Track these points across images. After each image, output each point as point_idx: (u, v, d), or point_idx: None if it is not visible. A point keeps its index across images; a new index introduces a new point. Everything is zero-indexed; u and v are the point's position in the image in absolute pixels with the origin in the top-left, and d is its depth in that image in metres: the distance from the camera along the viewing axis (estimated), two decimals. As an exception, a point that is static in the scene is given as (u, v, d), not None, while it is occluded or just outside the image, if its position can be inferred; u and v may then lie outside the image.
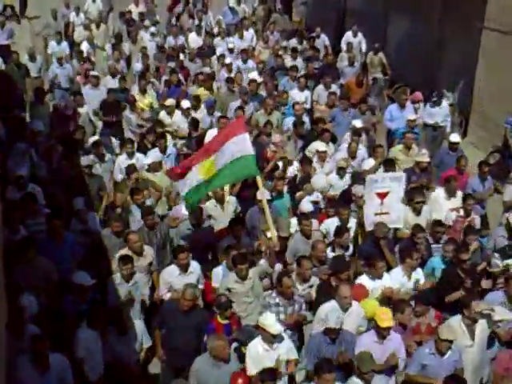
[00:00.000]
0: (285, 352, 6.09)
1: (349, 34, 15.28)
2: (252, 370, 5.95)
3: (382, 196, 8.06)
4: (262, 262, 7.35)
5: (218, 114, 11.22)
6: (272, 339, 5.99)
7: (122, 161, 9.65)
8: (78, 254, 7.48)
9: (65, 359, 5.87)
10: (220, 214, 8.32)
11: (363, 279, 7.13)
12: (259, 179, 7.08)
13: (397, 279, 7.20)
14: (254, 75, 12.72)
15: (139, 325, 6.96)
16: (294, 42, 15.35)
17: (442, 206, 8.75)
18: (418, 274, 7.33)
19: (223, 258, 7.37)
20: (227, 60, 13.54)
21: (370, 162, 9.67)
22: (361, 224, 8.15)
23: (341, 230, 7.75)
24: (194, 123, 10.90)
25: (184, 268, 7.15)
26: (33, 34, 16.34)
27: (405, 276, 7.26)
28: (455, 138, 10.30)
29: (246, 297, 6.91)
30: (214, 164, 6.92)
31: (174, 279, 7.15)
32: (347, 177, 9.41)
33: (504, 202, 9.25)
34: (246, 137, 6.80)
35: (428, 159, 9.62)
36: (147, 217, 7.83)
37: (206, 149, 7.22)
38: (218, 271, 7.34)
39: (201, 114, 11.35)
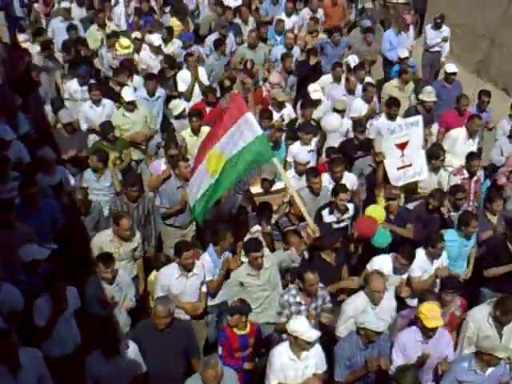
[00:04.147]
0: (313, 364, 5.15)
1: None
2: (272, 381, 5.08)
3: (402, 146, 7.22)
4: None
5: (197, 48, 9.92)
6: (305, 346, 5.04)
7: (87, 108, 8.42)
8: (58, 224, 6.56)
9: (37, 354, 4.96)
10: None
11: (379, 263, 6.11)
12: (277, 162, 5.82)
13: (419, 265, 6.22)
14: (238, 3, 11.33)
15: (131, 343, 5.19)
16: None
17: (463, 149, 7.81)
18: (443, 256, 6.36)
19: (218, 242, 6.14)
20: None
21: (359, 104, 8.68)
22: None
23: (338, 190, 6.73)
24: (169, 61, 9.52)
25: (187, 269, 5.93)
26: None
27: (428, 261, 6.29)
28: (451, 67, 9.38)
29: (261, 290, 5.91)
30: (222, 156, 5.68)
31: (174, 282, 5.93)
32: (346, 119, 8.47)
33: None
34: (250, 116, 5.63)
35: (435, 98, 8.63)
36: (131, 188, 6.69)
37: (209, 138, 5.98)
38: (206, 260, 6.13)
39: (172, 47, 10.06)
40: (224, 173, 5.63)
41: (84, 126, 8.33)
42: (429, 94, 8.61)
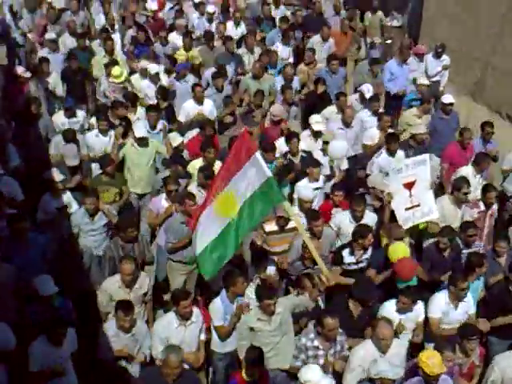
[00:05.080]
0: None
1: None
2: None
3: (409, 186, 7.10)
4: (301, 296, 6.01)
5: (191, 78, 9.75)
6: None
7: (92, 137, 8.36)
8: (47, 256, 6.44)
9: None
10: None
11: (389, 311, 5.98)
12: (287, 206, 5.74)
13: (439, 306, 6.07)
14: (240, 32, 11.19)
15: None
16: None
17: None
18: (469, 302, 6.20)
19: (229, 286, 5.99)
20: (210, 8, 11.76)
21: (373, 133, 8.52)
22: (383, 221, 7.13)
23: (363, 230, 6.56)
24: (161, 92, 9.39)
25: (185, 318, 5.75)
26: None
27: (451, 304, 6.12)
28: (448, 98, 9.25)
29: (272, 336, 5.76)
30: (235, 199, 5.53)
31: (173, 332, 5.74)
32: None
33: (503, 169, 8.36)
34: (258, 157, 5.53)
35: (425, 129, 8.56)
36: (129, 230, 6.52)
37: (218, 179, 5.80)
38: (217, 305, 5.97)
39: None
40: (238, 220, 5.49)
41: (85, 153, 8.26)
42: (418, 127, 8.56)
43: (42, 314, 5.56)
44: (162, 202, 7.29)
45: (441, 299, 6.14)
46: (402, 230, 6.81)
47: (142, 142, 8.09)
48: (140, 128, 8.21)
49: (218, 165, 7.72)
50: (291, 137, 8.27)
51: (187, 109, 9.04)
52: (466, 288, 6.09)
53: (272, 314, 5.73)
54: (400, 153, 8.12)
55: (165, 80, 9.77)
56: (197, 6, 12.02)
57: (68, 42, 10.76)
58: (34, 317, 5.67)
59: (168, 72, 9.94)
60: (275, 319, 5.75)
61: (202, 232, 5.71)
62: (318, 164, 7.74)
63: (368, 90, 9.34)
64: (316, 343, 5.51)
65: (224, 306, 5.97)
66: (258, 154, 5.57)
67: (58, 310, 5.75)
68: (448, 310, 6.13)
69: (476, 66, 11.27)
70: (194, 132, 8.67)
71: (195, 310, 5.88)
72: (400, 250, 6.37)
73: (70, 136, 8.14)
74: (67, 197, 7.39)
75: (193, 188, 7.44)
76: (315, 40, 11.02)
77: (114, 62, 9.79)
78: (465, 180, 7.44)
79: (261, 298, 5.72)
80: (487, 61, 11.12)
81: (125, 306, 5.63)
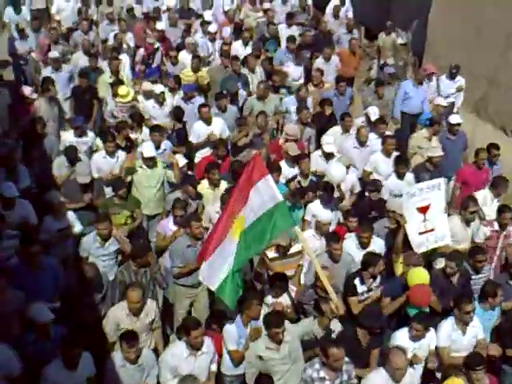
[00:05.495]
0: None
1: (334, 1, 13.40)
2: None
3: (423, 210, 7.04)
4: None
5: (198, 100, 9.69)
6: None
7: (99, 159, 8.32)
8: (59, 282, 6.31)
9: None
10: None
11: (401, 340, 5.84)
12: (298, 231, 5.65)
13: (446, 334, 5.96)
14: (249, 51, 10.99)
15: None
16: (277, 2, 13.49)
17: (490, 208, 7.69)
18: (476, 326, 6.06)
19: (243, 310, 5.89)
20: (212, 28, 11.73)
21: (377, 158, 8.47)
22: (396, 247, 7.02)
23: (372, 259, 6.43)
24: (176, 113, 9.32)
25: (196, 348, 5.62)
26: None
27: (459, 330, 6.01)
28: (455, 118, 9.17)
29: (281, 364, 5.65)
30: (242, 221, 5.51)
31: (182, 362, 5.59)
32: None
33: None
34: (269, 180, 5.49)
35: (441, 152, 8.42)
36: (144, 256, 6.42)
37: (232, 205, 5.71)
38: (231, 329, 5.90)
39: (177, 97, 9.84)
40: (243, 242, 5.44)
41: (95, 175, 8.16)
42: (434, 150, 8.47)
43: (36, 342, 5.46)
44: (170, 225, 7.21)
45: (448, 326, 6.00)
46: (419, 257, 6.69)
47: (151, 162, 8.03)
48: (148, 148, 8.14)
49: (223, 185, 7.78)
50: (302, 158, 8.19)
51: (197, 130, 8.99)
52: (472, 311, 5.95)
53: (280, 343, 5.62)
54: (409, 176, 8.05)
55: (170, 101, 9.71)
56: (202, 25, 12.00)
57: (81, 61, 10.76)
58: (29, 345, 5.53)
59: (171, 90, 9.86)
60: (284, 347, 5.65)
61: (220, 264, 5.63)
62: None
63: (374, 112, 9.24)
64: (322, 374, 5.37)
65: (238, 329, 5.89)
66: (269, 177, 5.54)
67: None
68: (456, 337, 5.99)
69: (480, 82, 11.22)
70: (205, 152, 8.64)
71: (206, 340, 5.74)
72: (419, 276, 6.26)
73: (72, 154, 8.08)
74: (70, 217, 7.29)
75: (211, 211, 7.41)
76: (319, 60, 10.99)
77: (119, 82, 9.76)
78: (472, 199, 7.39)
79: (269, 325, 5.62)
80: (491, 77, 11.09)
81: (129, 337, 5.49)
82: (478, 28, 11.09)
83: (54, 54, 10.61)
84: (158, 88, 9.64)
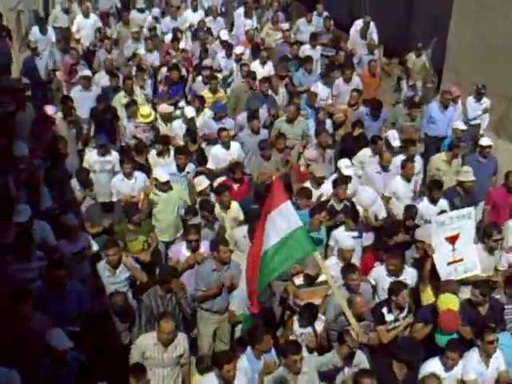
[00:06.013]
0: None
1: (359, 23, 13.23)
2: None
3: (452, 239, 6.93)
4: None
5: (229, 121, 9.61)
6: None
7: (118, 182, 8.24)
8: (84, 307, 6.23)
9: None
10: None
11: (433, 367, 5.68)
12: (318, 257, 5.51)
13: (473, 367, 5.77)
14: (267, 70, 10.93)
15: None
16: (301, 22, 13.36)
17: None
18: (499, 357, 5.87)
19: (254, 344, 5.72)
20: (238, 49, 11.59)
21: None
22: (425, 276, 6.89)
23: (396, 288, 6.30)
24: (191, 134, 9.24)
25: (228, 381, 5.39)
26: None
27: (482, 362, 5.83)
28: (486, 141, 9.02)
29: None
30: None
31: None
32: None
33: None
34: (289, 205, 5.40)
35: (473, 177, 8.23)
36: (170, 279, 6.30)
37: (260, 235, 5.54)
38: (243, 362, 5.67)
39: (203, 118, 9.75)
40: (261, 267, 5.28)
41: (115, 199, 8.07)
42: (466, 174, 8.26)
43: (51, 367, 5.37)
44: (183, 251, 7.09)
45: (472, 358, 5.82)
46: (458, 285, 6.56)
47: (165, 186, 7.88)
48: (161, 173, 7.99)
49: (234, 207, 7.76)
50: (338, 183, 8.00)
51: (216, 154, 8.91)
52: (495, 341, 5.77)
53: (298, 373, 5.45)
54: (443, 202, 7.89)
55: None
56: (223, 46, 11.89)
57: (103, 81, 10.69)
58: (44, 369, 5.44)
59: (197, 111, 9.77)
60: (301, 379, 5.47)
61: None
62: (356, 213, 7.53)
63: (393, 136, 9.08)
64: None
65: (250, 363, 5.71)
66: (288, 203, 5.44)
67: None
68: (480, 369, 5.82)
69: (500, 101, 11.12)
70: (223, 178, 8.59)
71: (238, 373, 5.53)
72: (450, 301, 6.13)
73: (83, 177, 8.05)
74: (86, 239, 7.18)
75: (237, 235, 7.36)
76: (339, 81, 10.86)
77: (133, 103, 9.68)
78: (495, 226, 7.25)
79: (285, 353, 5.45)
80: (511, 97, 11.01)
81: (136, 369, 5.38)
82: (498, 47, 11.04)
83: (86, 72, 10.57)
84: (190, 111, 9.57)
